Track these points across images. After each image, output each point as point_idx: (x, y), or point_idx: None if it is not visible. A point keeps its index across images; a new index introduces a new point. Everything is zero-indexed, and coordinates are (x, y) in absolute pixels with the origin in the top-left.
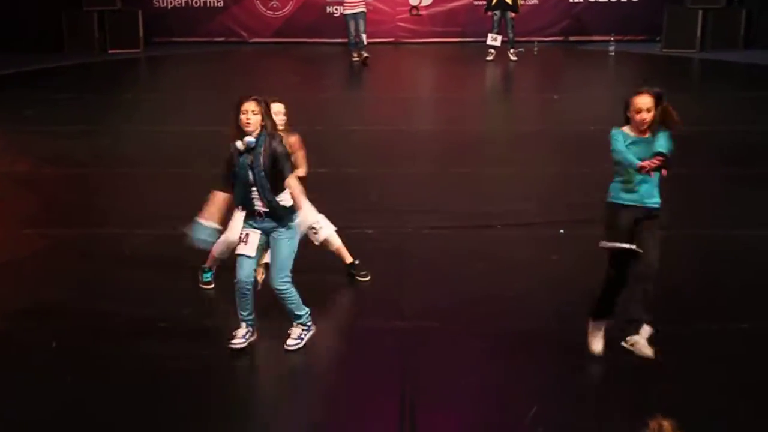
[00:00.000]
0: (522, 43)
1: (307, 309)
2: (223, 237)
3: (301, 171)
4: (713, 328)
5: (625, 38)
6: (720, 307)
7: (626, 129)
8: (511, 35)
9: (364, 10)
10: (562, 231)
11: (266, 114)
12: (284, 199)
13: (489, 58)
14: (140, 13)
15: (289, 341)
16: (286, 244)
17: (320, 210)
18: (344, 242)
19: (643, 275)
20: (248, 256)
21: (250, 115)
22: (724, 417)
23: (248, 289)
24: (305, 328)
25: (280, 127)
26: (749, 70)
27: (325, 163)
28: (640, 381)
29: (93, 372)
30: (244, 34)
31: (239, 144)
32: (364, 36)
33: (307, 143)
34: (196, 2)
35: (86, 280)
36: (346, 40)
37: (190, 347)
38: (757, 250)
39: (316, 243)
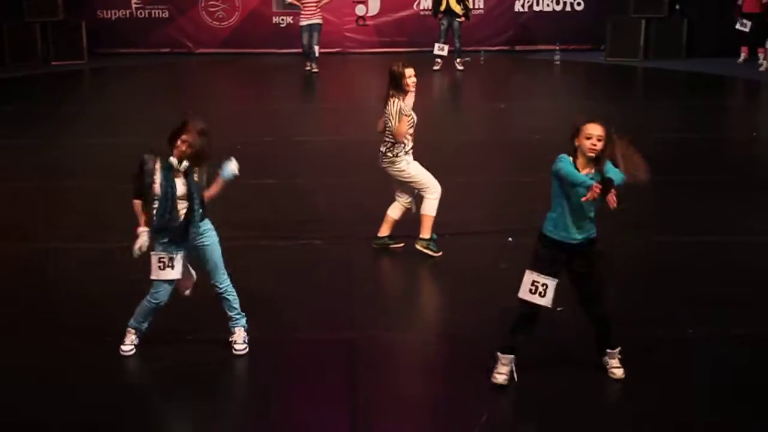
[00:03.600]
0: (468, 52)
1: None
2: (431, 196)
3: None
4: (659, 335)
5: (570, 47)
6: (664, 316)
7: (574, 160)
8: (457, 44)
9: (320, 21)
10: (510, 239)
11: (198, 144)
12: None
13: (436, 67)
14: (84, 24)
15: (238, 346)
16: (215, 246)
17: (268, 220)
18: (293, 253)
19: (595, 318)
20: (172, 281)
21: (185, 147)
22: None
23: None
24: (245, 328)
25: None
26: (691, 78)
27: (273, 174)
28: (593, 387)
29: (38, 388)
30: (190, 44)
31: (173, 160)
32: (316, 48)
33: (254, 154)
34: (141, 13)
35: (31, 294)
36: (293, 51)
37: (135, 362)
38: (700, 256)
39: (414, 211)
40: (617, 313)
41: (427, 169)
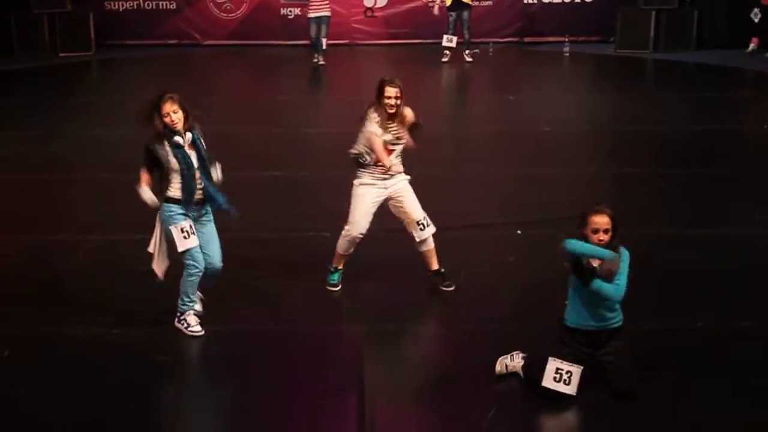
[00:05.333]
0: (477, 44)
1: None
2: (344, 231)
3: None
4: (665, 327)
5: (579, 39)
6: (670, 309)
7: None
8: (466, 36)
9: (329, 14)
10: (519, 232)
11: (184, 108)
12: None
13: (444, 59)
14: (91, 15)
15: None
16: (214, 225)
17: (275, 212)
18: (300, 246)
19: (619, 393)
20: (197, 247)
21: (173, 116)
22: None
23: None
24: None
25: (391, 111)
26: (701, 70)
27: (280, 166)
28: (600, 381)
29: (46, 381)
30: (198, 36)
31: (179, 139)
32: (324, 40)
33: (262, 146)
34: (148, 4)
35: (39, 286)
36: (301, 42)
37: (143, 355)
38: (707, 249)
39: (417, 239)
40: (624, 306)
41: (434, 161)
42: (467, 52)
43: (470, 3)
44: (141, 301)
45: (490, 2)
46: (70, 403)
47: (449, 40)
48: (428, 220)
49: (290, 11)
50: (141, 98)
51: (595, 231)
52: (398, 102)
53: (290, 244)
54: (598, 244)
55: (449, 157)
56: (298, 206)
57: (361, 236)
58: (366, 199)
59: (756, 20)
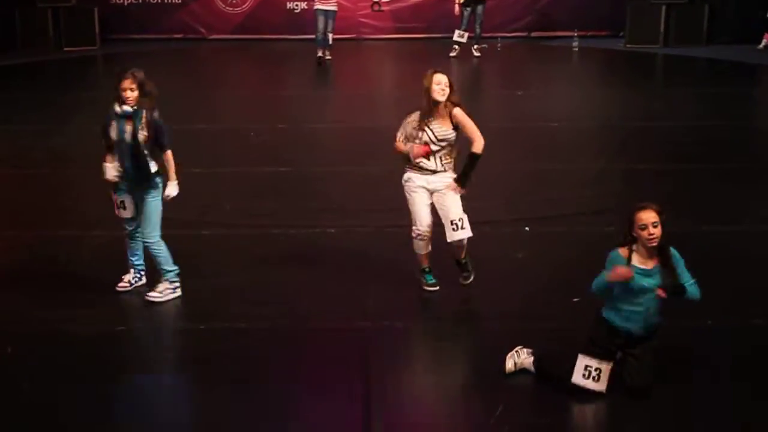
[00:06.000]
0: (485, 39)
1: (176, 268)
2: (412, 232)
3: (477, 145)
4: (677, 324)
5: (589, 34)
6: (682, 306)
7: (629, 254)
8: (477, 31)
9: (336, 9)
10: (527, 228)
11: (142, 88)
12: (153, 164)
13: (453, 54)
14: (96, 9)
15: (152, 293)
16: (155, 203)
17: (281, 208)
18: (306, 242)
19: (633, 391)
20: (131, 218)
21: (129, 92)
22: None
23: (137, 239)
24: (170, 285)
25: (441, 99)
26: (711, 65)
27: (287, 162)
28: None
29: (50, 377)
30: (203, 30)
31: (117, 108)
32: (330, 35)
33: (268, 142)
34: None
35: (43, 282)
36: (306, 37)
37: (149, 351)
38: (723, 246)
39: (449, 240)
40: None
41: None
42: (476, 47)
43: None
44: (144, 297)
45: None
46: (75, 399)
47: (461, 36)
48: (465, 222)
49: (296, 5)
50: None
51: (643, 227)
52: (445, 90)
53: (295, 240)
54: (650, 241)
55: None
56: (304, 202)
57: (428, 230)
58: (414, 194)
59: None
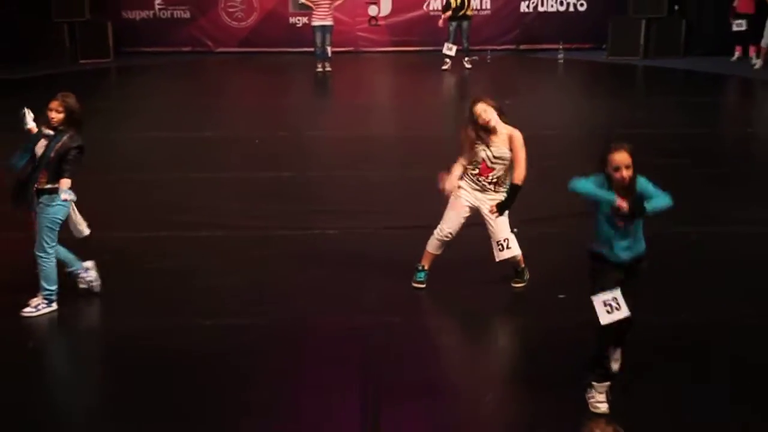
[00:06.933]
0: (475, 51)
1: (55, 287)
2: (436, 229)
3: (519, 175)
4: (672, 322)
5: (573, 46)
6: (674, 306)
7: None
8: (465, 44)
9: (332, 24)
10: (515, 230)
11: (68, 112)
12: (53, 184)
13: (445, 67)
14: (110, 24)
15: (27, 308)
16: (47, 219)
17: (282, 211)
18: (306, 242)
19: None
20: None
21: (54, 113)
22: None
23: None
24: (46, 301)
25: (492, 123)
26: (689, 76)
27: (288, 167)
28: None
29: (69, 374)
30: (210, 44)
31: (44, 130)
32: (329, 48)
33: (270, 148)
34: (163, 13)
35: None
36: (308, 50)
37: (153, 350)
38: (703, 248)
39: (497, 259)
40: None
41: (436, 163)
42: (466, 59)
43: (470, 14)
44: (148, 297)
45: (489, 11)
46: (75, 399)
47: (449, 49)
48: (510, 242)
49: (298, 20)
50: (157, 102)
51: (617, 169)
52: (487, 117)
53: (295, 241)
54: (621, 182)
55: (449, 158)
56: (304, 205)
57: (450, 235)
58: (460, 201)
59: (743, 29)
